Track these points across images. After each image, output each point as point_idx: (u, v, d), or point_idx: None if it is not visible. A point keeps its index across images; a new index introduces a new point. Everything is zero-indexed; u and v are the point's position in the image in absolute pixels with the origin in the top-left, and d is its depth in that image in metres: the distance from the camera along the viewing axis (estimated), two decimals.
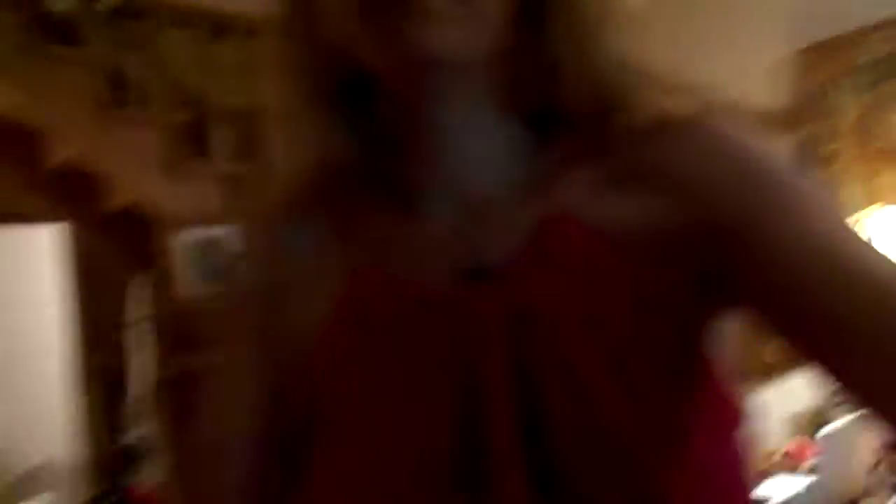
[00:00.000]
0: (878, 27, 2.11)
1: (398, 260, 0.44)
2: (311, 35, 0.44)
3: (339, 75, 0.45)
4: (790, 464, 1.99)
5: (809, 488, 1.66)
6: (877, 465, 1.68)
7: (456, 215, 0.44)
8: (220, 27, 2.69)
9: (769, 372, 2.47)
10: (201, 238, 2.45)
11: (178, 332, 2.22)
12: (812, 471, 1.83)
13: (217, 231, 2.51)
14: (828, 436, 1.61)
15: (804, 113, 2.32)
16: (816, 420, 2.12)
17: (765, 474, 1.98)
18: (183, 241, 2.36)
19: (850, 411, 1.94)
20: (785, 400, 2.41)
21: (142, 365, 2.55)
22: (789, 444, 2.11)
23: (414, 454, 0.41)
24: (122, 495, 2.88)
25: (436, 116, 0.43)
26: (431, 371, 0.42)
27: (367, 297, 0.44)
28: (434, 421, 0.41)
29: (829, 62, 2.24)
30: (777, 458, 2.08)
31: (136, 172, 2.44)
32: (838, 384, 0.37)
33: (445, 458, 0.40)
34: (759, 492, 1.83)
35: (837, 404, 2.05)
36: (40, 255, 3.16)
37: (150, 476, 2.95)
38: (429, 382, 0.42)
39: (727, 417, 0.43)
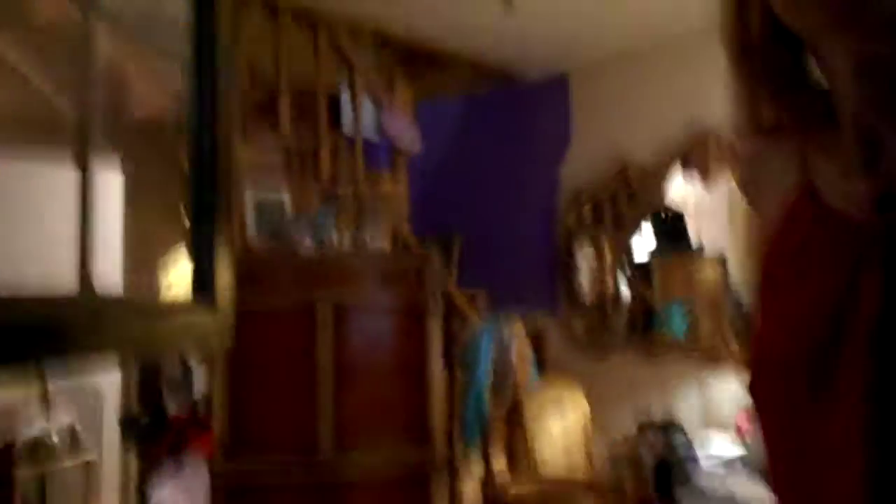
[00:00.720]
0: None
1: (825, 191, 0.55)
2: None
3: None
4: (738, 433, 2.43)
5: (748, 448, 2.09)
6: None
7: (868, 152, 0.52)
8: (294, 15, 3.04)
9: (727, 363, 2.92)
10: (264, 198, 2.83)
11: (240, 272, 2.59)
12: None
13: (276, 195, 2.90)
14: None
15: None
16: None
17: (720, 438, 2.44)
18: (250, 198, 2.75)
19: None
20: (739, 386, 2.86)
21: None
22: (739, 419, 2.56)
23: (795, 325, 0.53)
24: (160, 414, 3.25)
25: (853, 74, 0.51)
26: (822, 278, 0.52)
27: (796, 214, 0.57)
28: (810, 312, 0.52)
29: None
30: (730, 427, 2.54)
31: None
32: None
33: (818, 336, 0.51)
34: (713, 450, 2.27)
35: None
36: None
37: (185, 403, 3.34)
38: (816, 287, 0.52)
39: None
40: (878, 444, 0.46)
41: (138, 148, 3.07)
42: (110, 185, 3.52)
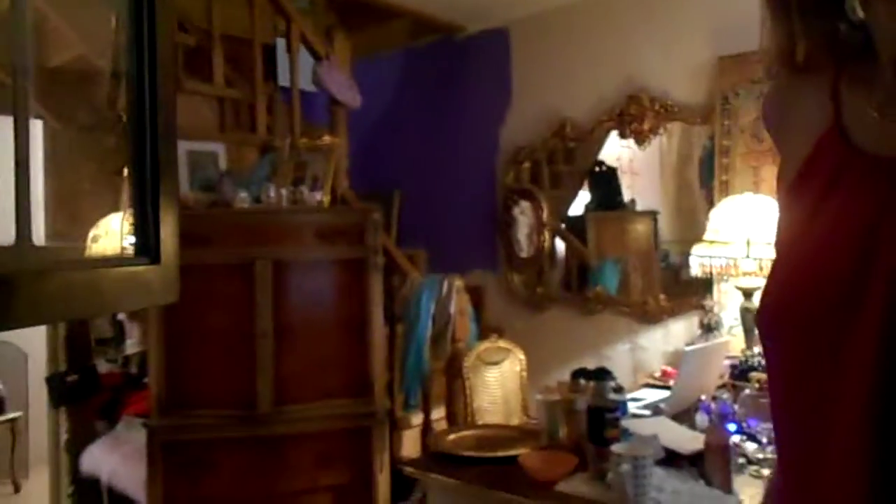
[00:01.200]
0: None
1: (855, 129, 0.54)
2: None
3: None
4: (664, 380, 2.57)
5: (671, 393, 2.21)
6: (721, 378, 2.26)
7: None
8: None
9: (655, 317, 3.06)
10: (195, 150, 2.75)
11: None
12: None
13: (209, 146, 2.82)
14: (688, 352, 2.15)
15: (713, 111, 2.85)
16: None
17: (647, 385, 2.58)
18: (181, 150, 2.65)
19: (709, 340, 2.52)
20: (667, 338, 3.01)
21: None
22: (665, 367, 2.71)
23: (818, 263, 0.52)
24: (89, 372, 3.16)
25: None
26: (848, 216, 0.51)
27: (823, 152, 0.56)
28: (835, 249, 0.51)
29: (734, 73, 2.77)
30: (656, 375, 2.68)
31: None
32: None
33: (837, 277, 0.50)
34: (639, 395, 2.39)
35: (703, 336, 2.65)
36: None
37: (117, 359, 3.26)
38: (842, 225, 0.52)
39: None
40: (892, 385, 0.45)
41: (59, 96, 2.90)
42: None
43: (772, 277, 0.57)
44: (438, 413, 3.00)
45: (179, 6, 2.82)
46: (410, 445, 2.99)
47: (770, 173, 2.72)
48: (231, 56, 3.00)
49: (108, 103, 2.40)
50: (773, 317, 0.55)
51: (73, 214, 3.30)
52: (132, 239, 0.63)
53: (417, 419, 3.06)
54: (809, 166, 0.56)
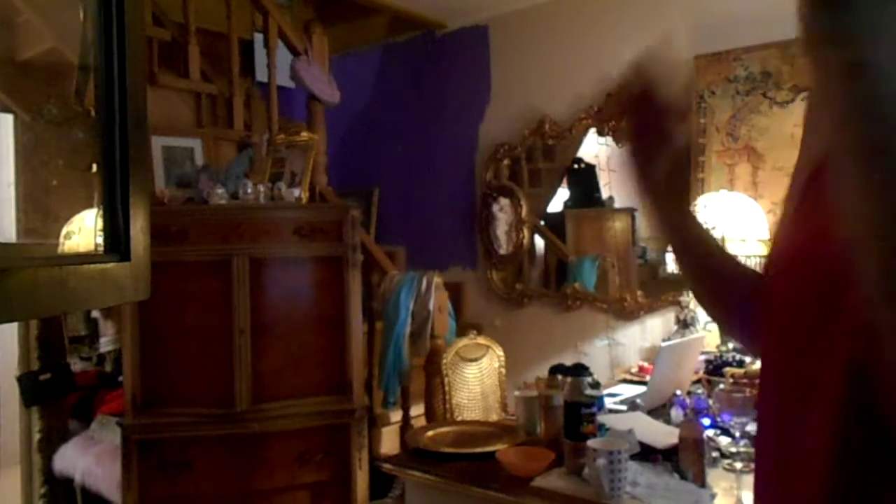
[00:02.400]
0: (751, 49, 2.68)
1: None
2: None
3: None
4: (641, 376, 2.60)
5: (647, 388, 2.23)
6: (696, 373, 2.29)
7: None
8: None
9: (633, 313, 3.09)
10: (171, 145, 2.71)
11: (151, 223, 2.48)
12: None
13: (185, 141, 2.78)
14: (664, 348, 2.17)
15: (690, 109, 2.88)
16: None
17: (624, 381, 2.60)
18: (156, 145, 2.62)
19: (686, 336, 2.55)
20: (644, 334, 3.04)
21: None
22: (642, 363, 2.73)
23: (799, 279, 0.52)
24: (63, 370, 3.11)
25: None
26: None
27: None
28: (815, 269, 0.52)
29: (711, 71, 2.80)
30: (633, 371, 2.70)
31: None
32: None
33: (814, 294, 0.50)
34: (616, 390, 2.41)
35: (680, 331, 2.67)
36: None
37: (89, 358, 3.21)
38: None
39: None
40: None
41: (30, 90, 2.84)
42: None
43: (786, 241, 0.58)
44: (417, 410, 3.00)
45: None
46: (389, 442, 2.99)
47: (744, 171, 2.75)
48: (208, 51, 2.97)
49: (77, 97, 2.36)
50: (782, 278, 0.56)
51: (46, 211, 3.25)
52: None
53: (396, 416, 3.06)
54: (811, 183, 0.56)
